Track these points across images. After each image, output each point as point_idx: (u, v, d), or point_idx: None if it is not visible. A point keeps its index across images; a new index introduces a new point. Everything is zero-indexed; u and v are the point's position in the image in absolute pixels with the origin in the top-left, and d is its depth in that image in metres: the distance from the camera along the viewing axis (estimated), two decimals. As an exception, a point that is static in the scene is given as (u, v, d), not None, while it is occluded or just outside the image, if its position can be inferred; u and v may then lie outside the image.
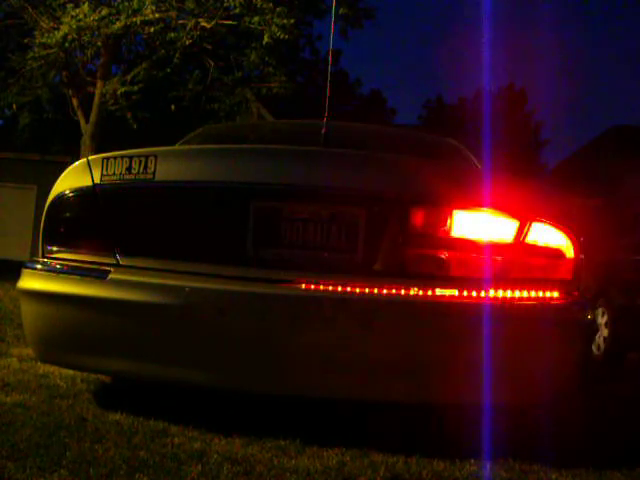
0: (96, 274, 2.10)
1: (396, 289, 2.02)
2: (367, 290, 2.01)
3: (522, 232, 2.08)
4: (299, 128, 3.50)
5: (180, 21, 10.97)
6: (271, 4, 10.40)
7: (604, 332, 6.15)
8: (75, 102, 12.35)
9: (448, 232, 2.09)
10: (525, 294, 2.06)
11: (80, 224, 2.23)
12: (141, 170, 2.13)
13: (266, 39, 10.46)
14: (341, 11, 10.90)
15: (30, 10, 11.04)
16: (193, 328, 2.04)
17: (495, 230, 2.09)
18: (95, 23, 10.08)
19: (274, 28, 10.36)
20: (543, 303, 2.07)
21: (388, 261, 2.08)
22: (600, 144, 18.09)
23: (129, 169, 2.14)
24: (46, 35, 10.42)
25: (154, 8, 10.26)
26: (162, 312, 2.04)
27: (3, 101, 12.72)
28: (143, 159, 2.14)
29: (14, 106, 12.88)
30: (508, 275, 2.08)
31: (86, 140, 11.84)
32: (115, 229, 2.16)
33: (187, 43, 10.88)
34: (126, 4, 10.22)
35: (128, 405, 2.29)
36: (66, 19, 10.16)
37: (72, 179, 2.25)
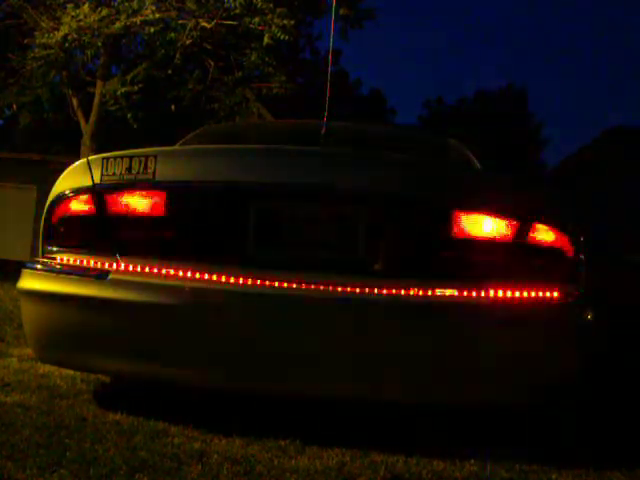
0: (96, 274, 2.10)
1: (396, 289, 2.02)
2: (367, 290, 2.01)
3: (522, 232, 2.08)
4: (299, 128, 3.50)
5: (180, 21, 10.96)
6: (271, 4, 10.39)
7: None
8: (75, 102, 12.34)
9: (448, 232, 2.09)
10: (525, 294, 2.06)
11: (80, 224, 2.23)
12: (141, 170, 2.13)
13: (266, 40, 10.45)
14: (342, 12, 10.89)
15: (30, 10, 11.03)
16: (193, 328, 2.04)
17: (495, 230, 2.09)
18: (95, 23, 10.06)
19: (274, 29, 10.35)
20: (543, 303, 2.07)
21: (388, 261, 2.08)
22: (599, 144, 18.08)
23: (129, 169, 2.14)
24: (46, 35, 10.40)
25: (154, 8, 10.25)
26: (162, 312, 2.04)
27: (3, 101, 12.70)
28: (143, 159, 2.14)
29: (14, 106, 12.87)
30: (508, 275, 2.07)
31: (86, 140, 11.83)
32: (115, 229, 2.16)
33: (187, 43, 10.88)
34: (126, 4, 10.21)
35: (128, 405, 2.29)
36: (66, 19, 10.14)
37: (72, 179, 2.25)
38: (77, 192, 2.21)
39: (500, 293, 2.03)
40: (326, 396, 2.11)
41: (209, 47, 11.41)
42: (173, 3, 10.64)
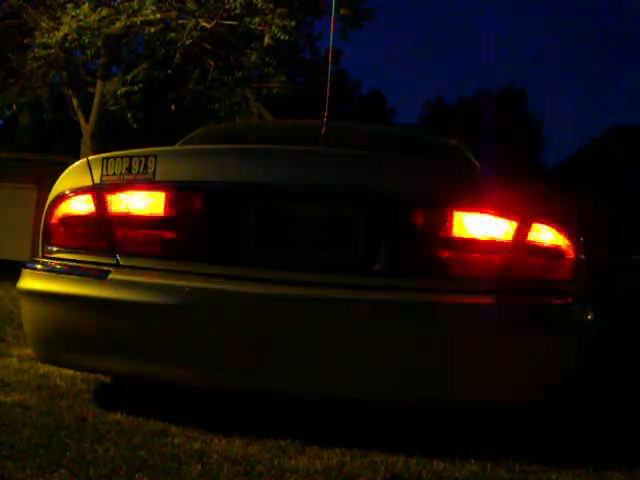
0: (96, 274, 2.10)
1: (396, 289, 2.02)
2: (367, 290, 2.01)
3: (522, 232, 2.08)
4: (299, 128, 3.50)
5: (180, 21, 10.96)
6: (271, 5, 10.39)
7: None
8: (75, 102, 12.35)
9: (448, 232, 2.09)
10: (525, 294, 2.06)
11: (80, 224, 2.23)
12: (141, 170, 2.13)
13: (267, 40, 10.45)
14: (342, 12, 10.89)
15: (30, 10, 11.03)
16: (193, 328, 2.04)
17: (495, 230, 2.09)
18: (95, 23, 10.07)
19: (275, 29, 10.36)
20: (543, 303, 2.07)
21: (388, 261, 2.08)
22: (599, 144, 18.09)
23: (129, 169, 2.14)
24: (46, 35, 10.41)
25: (154, 8, 10.25)
26: (162, 312, 2.04)
27: (3, 101, 12.71)
28: (143, 159, 2.14)
29: (14, 106, 12.87)
30: (508, 275, 2.07)
31: (86, 140, 11.84)
32: (115, 229, 2.16)
33: (187, 43, 10.88)
34: (126, 4, 10.21)
35: (128, 405, 2.29)
36: (66, 19, 10.15)
37: (72, 179, 2.25)
38: (77, 192, 2.21)
39: (500, 293, 2.03)
40: (327, 397, 2.11)
41: (209, 47, 11.41)
42: (173, 3, 10.65)
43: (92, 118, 11.87)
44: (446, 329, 2.01)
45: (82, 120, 12.10)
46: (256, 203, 2.12)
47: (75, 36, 10.23)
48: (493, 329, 2.02)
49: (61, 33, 10.18)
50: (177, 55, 11.08)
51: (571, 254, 2.13)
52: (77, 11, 10.17)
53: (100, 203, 2.17)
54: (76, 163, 2.30)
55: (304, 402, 2.29)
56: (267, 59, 11.44)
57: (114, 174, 2.16)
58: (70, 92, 12.36)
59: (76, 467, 1.73)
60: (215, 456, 1.88)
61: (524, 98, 36.01)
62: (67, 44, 10.39)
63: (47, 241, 2.26)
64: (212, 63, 11.82)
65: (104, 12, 10.09)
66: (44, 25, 10.64)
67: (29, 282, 2.23)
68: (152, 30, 10.57)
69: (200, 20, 10.67)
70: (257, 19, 10.56)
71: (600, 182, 16.87)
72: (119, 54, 12.64)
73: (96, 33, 10.50)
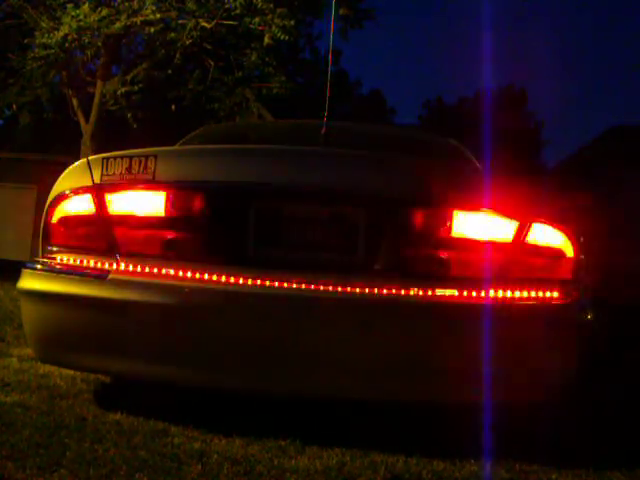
0: (96, 274, 2.10)
1: (396, 289, 2.02)
2: (367, 290, 2.01)
3: (522, 232, 2.09)
4: (299, 128, 3.50)
5: (180, 21, 10.96)
6: (271, 5, 10.39)
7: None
8: (75, 102, 12.34)
9: (448, 232, 2.09)
10: (525, 294, 2.06)
11: (80, 224, 2.23)
12: (141, 170, 2.13)
13: (267, 40, 10.45)
14: (342, 12, 10.89)
15: (30, 10, 11.02)
16: (193, 328, 2.04)
17: (495, 230, 2.09)
18: (95, 23, 10.06)
19: (274, 29, 10.36)
20: (543, 303, 2.07)
21: (388, 261, 2.08)
22: (599, 144, 18.09)
23: (129, 169, 2.14)
24: (46, 35, 10.40)
25: (154, 8, 10.25)
26: (162, 312, 2.04)
27: (3, 101, 12.70)
28: (143, 159, 2.14)
29: (14, 106, 12.86)
30: (508, 275, 2.08)
31: (86, 140, 11.83)
32: (115, 229, 2.16)
33: (187, 43, 10.87)
34: (126, 4, 10.21)
35: (128, 405, 2.29)
36: (66, 19, 10.14)
37: (72, 179, 2.25)
38: (77, 192, 2.21)
39: (500, 293, 2.04)
40: (326, 396, 2.11)
41: (209, 47, 11.41)
42: (173, 3, 10.64)
43: (92, 118, 11.86)
44: (446, 329, 2.01)
45: (82, 120, 12.09)
46: (256, 203, 2.12)
47: (75, 36, 10.22)
48: (493, 329, 2.02)
49: (61, 33, 10.17)
50: (177, 55, 11.07)
51: (571, 254, 2.13)
52: (77, 11, 10.16)
53: (100, 203, 2.17)
54: (76, 163, 2.30)
55: (304, 402, 2.29)
56: (267, 59, 11.43)
57: (114, 174, 2.16)
58: (70, 92, 12.35)
59: (76, 467, 1.73)
60: (215, 456, 1.88)
61: (524, 98, 36.01)
62: (67, 44, 10.37)
63: (47, 241, 2.26)
64: (212, 63, 11.81)
65: (104, 12, 10.08)
66: (44, 25, 10.62)
67: (29, 282, 2.23)
68: (152, 30, 10.56)
69: (200, 20, 10.66)
70: (257, 19, 10.55)
71: (600, 182, 16.85)
72: (119, 54, 12.63)
73: (96, 33, 10.49)
